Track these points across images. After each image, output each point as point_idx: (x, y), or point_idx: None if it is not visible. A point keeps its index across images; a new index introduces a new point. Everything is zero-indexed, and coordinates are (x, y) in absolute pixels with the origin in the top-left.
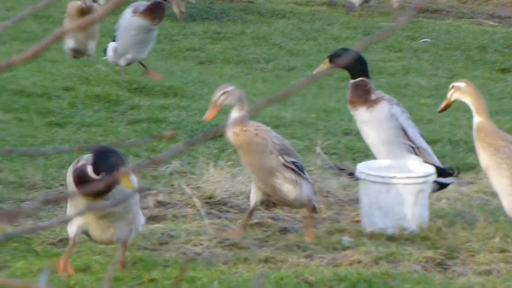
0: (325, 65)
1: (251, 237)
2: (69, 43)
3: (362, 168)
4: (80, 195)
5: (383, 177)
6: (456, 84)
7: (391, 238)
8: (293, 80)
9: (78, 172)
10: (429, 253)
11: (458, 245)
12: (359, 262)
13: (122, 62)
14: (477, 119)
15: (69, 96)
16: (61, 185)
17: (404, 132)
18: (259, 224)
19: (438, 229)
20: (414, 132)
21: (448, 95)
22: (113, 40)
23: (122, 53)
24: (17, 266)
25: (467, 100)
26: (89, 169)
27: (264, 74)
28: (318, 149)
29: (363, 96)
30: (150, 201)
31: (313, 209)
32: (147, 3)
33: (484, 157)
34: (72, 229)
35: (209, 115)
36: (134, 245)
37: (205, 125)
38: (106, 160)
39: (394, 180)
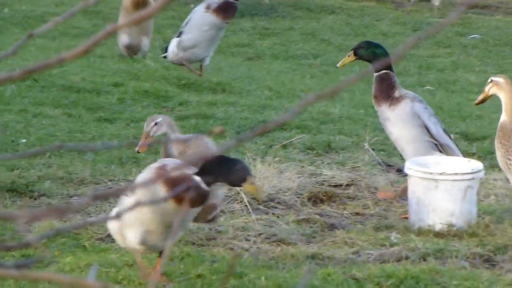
0: (349, 57)
1: (298, 233)
2: (123, 39)
3: (410, 164)
4: (175, 203)
5: (431, 173)
6: (495, 78)
7: (439, 234)
8: (341, 76)
9: (195, 187)
10: (477, 249)
11: (506, 241)
12: (406, 258)
13: (184, 55)
14: (503, 118)
15: (118, 92)
16: (110, 180)
17: (427, 129)
18: (306, 220)
19: (486, 226)
20: (437, 128)
21: (486, 88)
22: (178, 36)
23: (189, 47)
24: (65, 262)
25: (502, 96)
26: (198, 179)
27: (312, 70)
28: (366, 145)
29: (387, 92)
30: None
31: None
32: (219, 1)
33: (498, 157)
34: (133, 236)
35: (141, 147)
36: (182, 241)
37: (253, 121)
38: (233, 170)
39: (442, 177)
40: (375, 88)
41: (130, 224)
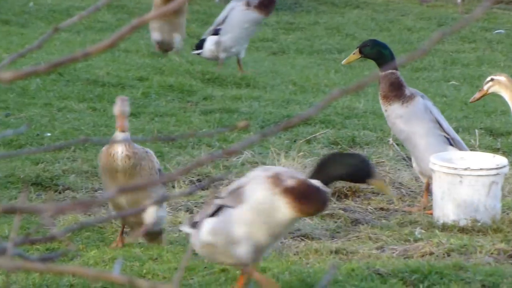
0: (355, 55)
1: (323, 228)
2: (155, 36)
3: (435, 159)
4: (298, 212)
5: (456, 168)
6: (496, 77)
7: (463, 230)
8: (366, 71)
9: (321, 193)
10: (502, 245)
11: None
12: (431, 254)
13: (223, 55)
14: None
15: (143, 86)
16: None
17: (439, 124)
18: (331, 215)
19: (511, 221)
20: (447, 124)
21: (485, 87)
22: (214, 34)
23: (229, 46)
24: (89, 255)
25: (505, 95)
26: (317, 184)
27: (336, 64)
28: (390, 140)
29: (397, 91)
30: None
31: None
32: None
33: None
34: (245, 252)
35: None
36: None
37: (277, 115)
38: (356, 165)
39: (467, 172)
40: (384, 88)
41: (239, 238)
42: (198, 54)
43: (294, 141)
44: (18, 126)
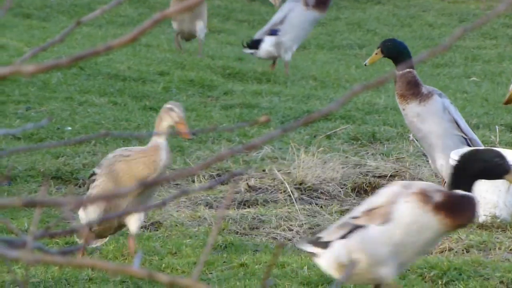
0: (377, 55)
1: None
2: (176, 25)
3: (455, 155)
4: (451, 226)
5: None
6: None
7: (482, 226)
8: (387, 67)
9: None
10: None
11: None
12: (450, 250)
13: (287, 56)
14: None
15: (164, 81)
16: None
17: (457, 124)
18: (349, 211)
19: None
20: (465, 123)
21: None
22: (271, 34)
23: (289, 46)
24: (108, 249)
25: None
26: (462, 193)
27: (357, 60)
28: (411, 136)
29: (414, 89)
30: (242, 185)
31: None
32: None
33: None
34: (390, 271)
35: (188, 134)
36: (225, 230)
37: (298, 111)
38: (492, 162)
39: None
40: (401, 87)
41: (385, 258)
42: (251, 53)
43: (314, 137)
44: (38, 120)
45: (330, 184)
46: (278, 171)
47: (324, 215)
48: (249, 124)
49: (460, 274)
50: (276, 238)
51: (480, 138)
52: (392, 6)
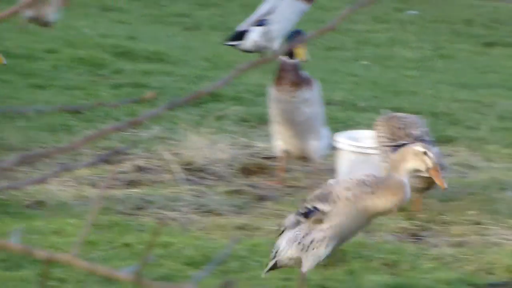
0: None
1: (229, 204)
2: (26, 12)
3: (340, 138)
4: None
5: (361, 147)
6: None
7: None
8: None
9: None
10: (404, 224)
11: (433, 216)
12: None
13: (275, 45)
14: None
15: (53, 59)
16: (41, 147)
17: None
18: (237, 192)
19: (414, 200)
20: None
21: None
22: (259, 25)
23: (277, 36)
24: None
25: None
26: None
27: None
28: None
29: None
30: (128, 165)
31: None
32: None
33: None
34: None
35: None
36: (110, 209)
37: (188, 91)
38: None
39: (371, 151)
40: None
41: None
42: (235, 45)
43: (204, 117)
44: None
45: (218, 165)
46: (166, 151)
47: (211, 195)
48: (135, 101)
49: (344, 255)
50: (162, 219)
51: (367, 121)
52: None
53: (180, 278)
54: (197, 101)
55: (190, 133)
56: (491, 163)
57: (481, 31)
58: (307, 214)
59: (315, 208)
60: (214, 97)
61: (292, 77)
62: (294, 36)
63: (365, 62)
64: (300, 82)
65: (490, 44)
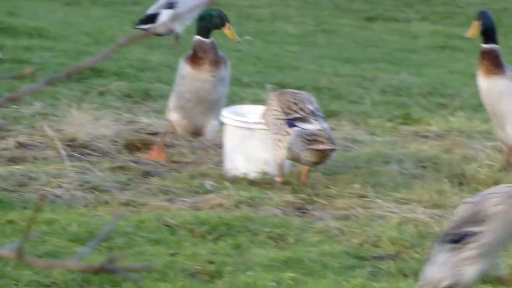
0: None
1: (113, 181)
2: None
3: (226, 113)
4: None
5: (246, 122)
6: None
7: (253, 182)
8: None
9: None
10: (289, 197)
11: (318, 190)
12: (220, 205)
13: (180, 28)
14: None
15: None
16: None
17: None
18: (122, 168)
19: (299, 174)
20: None
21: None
22: (169, 8)
23: (186, 17)
24: None
25: None
26: None
27: (131, 16)
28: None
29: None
30: (11, 142)
31: None
32: None
33: None
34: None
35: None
36: None
37: (70, 66)
38: None
39: (258, 126)
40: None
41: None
42: (146, 29)
43: (87, 93)
44: None
45: (101, 141)
46: (49, 127)
47: (95, 172)
48: (14, 76)
49: (229, 229)
50: (44, 195)
51: (252, 97)
52: None
53: (64, 255)
54: (80, 76)
55: (72, 109)
56: (374, 136)
57: (362, 5)
58: (459, 241)
59: (468, 232)
60: (97, 72)
61: (212, 56)
62: (210, 16)
63: (248, 38)
64: (219, 61)
65: (371, 19)
